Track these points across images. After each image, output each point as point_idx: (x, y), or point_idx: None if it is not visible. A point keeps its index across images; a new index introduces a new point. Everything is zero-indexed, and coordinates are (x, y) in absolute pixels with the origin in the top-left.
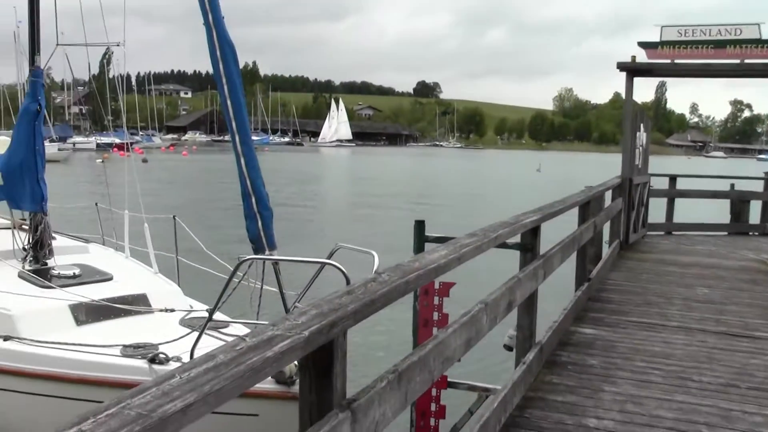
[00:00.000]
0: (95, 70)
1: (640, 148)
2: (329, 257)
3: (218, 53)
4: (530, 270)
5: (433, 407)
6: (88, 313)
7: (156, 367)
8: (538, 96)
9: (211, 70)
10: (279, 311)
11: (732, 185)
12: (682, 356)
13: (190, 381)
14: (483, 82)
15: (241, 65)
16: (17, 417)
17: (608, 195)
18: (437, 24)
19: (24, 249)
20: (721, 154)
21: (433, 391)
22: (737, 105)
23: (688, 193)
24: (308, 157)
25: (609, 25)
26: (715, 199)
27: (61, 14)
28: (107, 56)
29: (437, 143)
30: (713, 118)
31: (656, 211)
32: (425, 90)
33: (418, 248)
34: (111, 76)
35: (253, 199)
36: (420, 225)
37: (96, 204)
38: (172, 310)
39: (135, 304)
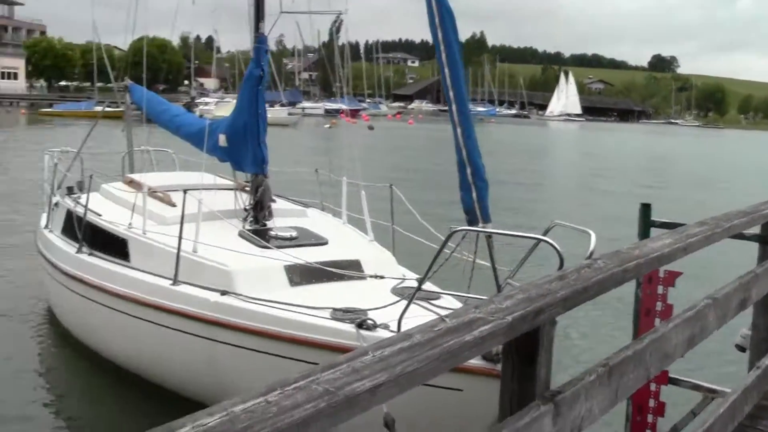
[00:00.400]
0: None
1: None
2: (545, 234)
3: (437, 20)
4: None
5: (651, 403)
6: (302, 275)
7: (363, 332)
8: None
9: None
10: (491, 286)
11: None
12: None
13: (383, 360)
14: (727, 57)
15: (469, 35)
16: (226, 368)
17: None
18: None
19: (245, 210)
20: None
21: (652, 386)
22: None
23: None
24: (534, 131)
25: None
26: None
27: None
28: (336, 24)
29: (672, 121)
30: None
31: None
32: (661, 64)
33: (643, 233)
34: (340, 43)
35: (469, 170)
36: (646, 208)
37: (316, 170)
38: (382, 277)
39: (348, 269)
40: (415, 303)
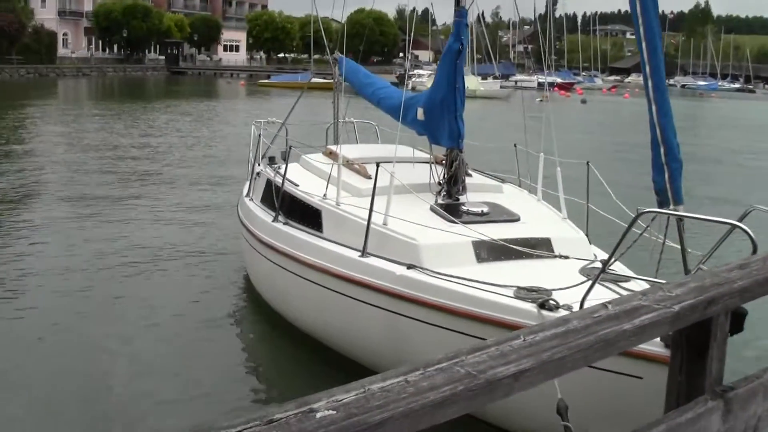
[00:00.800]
0: (541, 11)
1: None
2: (741, 219)
3: None
4: None
5: None
6: (489, 251)
7: (545, 312)
8: None
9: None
10: (681, 270)
11: None
12: None
13: (532, 345)
14: None
15: (692, 4)
16: (408, 342)
17: None
18: None
19: (439, 183)
20: None
21: None
22: None
23: None
24: (759, 106)
25: None
26: None
27: None
28: None
29: None
30: None
31: None
32: None
33: None
34: (557, 15)
35: (663, 150)
36: None
37: (515, 145)
38: (567, 257)
39: (537, 247)
40: (603, 285)
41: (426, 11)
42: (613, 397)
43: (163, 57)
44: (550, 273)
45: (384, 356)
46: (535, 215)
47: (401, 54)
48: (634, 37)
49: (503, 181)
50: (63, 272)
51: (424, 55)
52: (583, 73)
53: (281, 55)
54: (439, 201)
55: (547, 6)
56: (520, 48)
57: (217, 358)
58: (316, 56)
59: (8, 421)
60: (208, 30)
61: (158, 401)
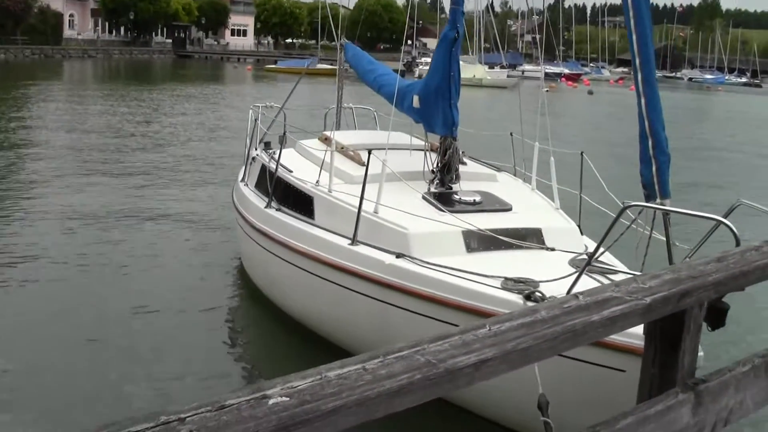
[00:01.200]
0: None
1: None
2: (727, 214)
3: None
4: None
5: None
6: (479, 241)
7: (530, 304)
8: None
9: (665, 2)
10: (666, 264)
11: None
12: None
13: (497, 335)
14: None
15: None
16: (396, 331)
17: None
18: None
19: (432, 172)
20: None
21: None
22: None
23: None
24: (766, 100)
25: None
26: None
27: None
28: None
29: None
30: None
31: None
32: None
33: None
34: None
35: (650, 142)
36: None
37: (511, 134)
38: (553, 249)
39: (528, 238)
40: (591, 277)
41: None
42: (596, 390)
43: (170, 40)
44: (540, 264)
45: (372, 345)
46: (528, 205)
47: (409, 42)
48: None
49: (498, 169)
50: (57, 257)
51: (433, 43)
52: (591, 64)
53: (289, 40)
54: (432, 189)
55: None
56: (528, 38)
57: (207, 343)
58: (324, 42)
59: None
60: (216, 14)
61: (147, 386)
